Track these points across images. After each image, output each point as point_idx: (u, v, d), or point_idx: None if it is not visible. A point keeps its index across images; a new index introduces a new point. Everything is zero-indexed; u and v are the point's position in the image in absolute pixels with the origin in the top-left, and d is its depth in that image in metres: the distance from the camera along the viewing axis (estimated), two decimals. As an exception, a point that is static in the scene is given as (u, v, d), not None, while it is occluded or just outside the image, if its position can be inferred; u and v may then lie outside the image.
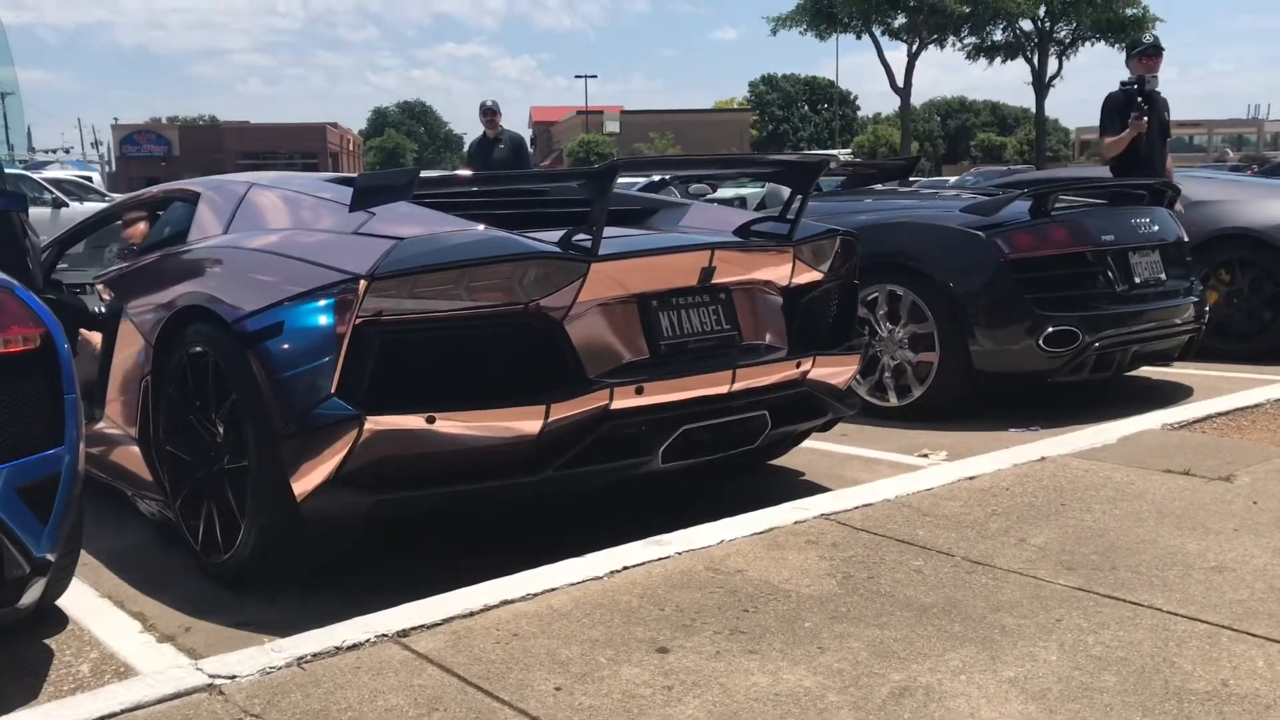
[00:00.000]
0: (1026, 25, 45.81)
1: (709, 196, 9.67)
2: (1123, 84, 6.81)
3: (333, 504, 3.01)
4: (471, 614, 2.66)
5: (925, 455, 4.57)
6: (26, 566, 2.42)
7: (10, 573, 2.40)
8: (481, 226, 3.35)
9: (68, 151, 63.73)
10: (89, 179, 24.97)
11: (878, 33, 45.68)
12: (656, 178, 9.00)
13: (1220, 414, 4.76)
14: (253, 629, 2.89)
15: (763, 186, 12.99)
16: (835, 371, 3.88)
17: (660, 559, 3.02)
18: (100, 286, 3.97)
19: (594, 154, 53.13)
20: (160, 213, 4.80)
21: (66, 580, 2.86)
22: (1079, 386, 5.40)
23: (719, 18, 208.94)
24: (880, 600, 2.73)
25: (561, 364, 3.20)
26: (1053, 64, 46.19)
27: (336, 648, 2.47)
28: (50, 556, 2.48)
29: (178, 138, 65.84)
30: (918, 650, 2.43)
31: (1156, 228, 5.60)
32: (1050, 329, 4.98)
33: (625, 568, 2.95)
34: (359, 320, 2.93)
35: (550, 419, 3.08)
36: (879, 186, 7.00)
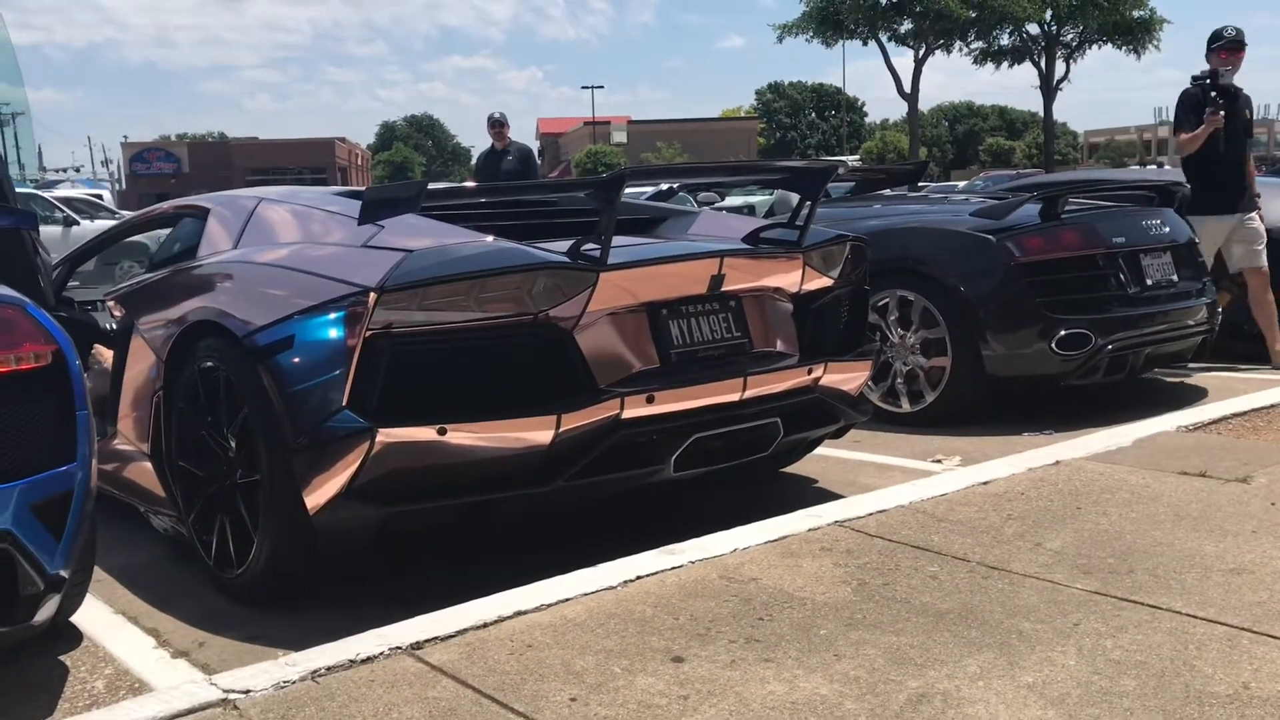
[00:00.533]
0: (1033, 29, 45.80)
1: (716, 205, 9.66)
2: (1194, 79, 6.56)
3: (345, 517, 3.00)
4: (485, 625, 2.65)
5: (939, 460, 4.55)
6: (41, 583, 2.42)
7: (24, 589, 2.40)
8: (490, 238, 3.35)
9: (78, 170, 64.08)
10: (99, 197, 25.09)
11: (884, 39, 45.73)
12: (664, 186, 9.01)
13: (1236, 415, 4.72)
14: (266, 643, 2.88)
15: (771, 194, 12.99)
16: (847, 378, 3.86)
17: (674, 568, 3.01)
18: (111, 303, 3.98)
19: (601, 165, 53.24)
20: (170, 229, 4.82)
21: (80, 597, 2.86)
22: (1092, 389, 5.37)
23: (725, 26, 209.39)
24: (896, 607, 2.71)
25: (572, 374, 3.19)
26: (1060, 67, 46.17)
27: (350, 661, 2.47)
28: (64, 573, 2.48)
29: (187, 155, 66.25)
30: (935, 657, 2.42)
31: (1167, 229, 5.57)
32: (1062, 332, 4.96)
33: (639, 577, 2.94)
34: (369, 333, 2.93)
35: (561, 429, 3.08)
36: (888, 192, 6.99)
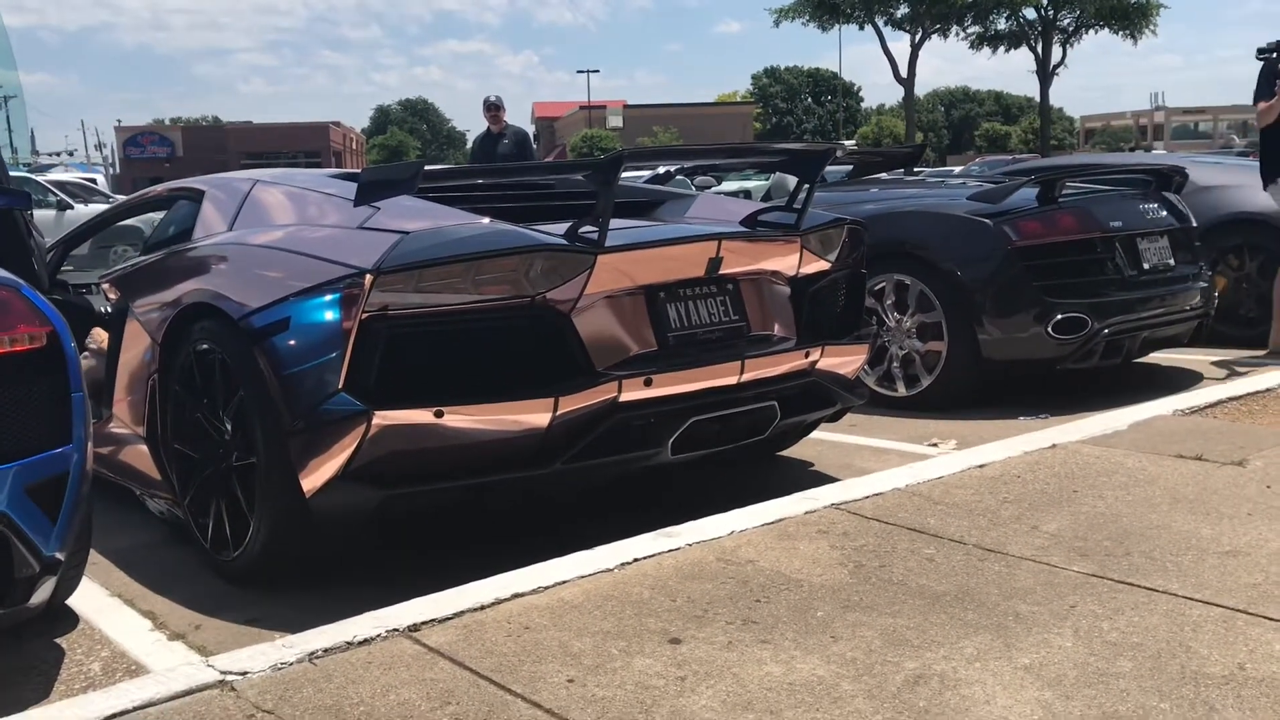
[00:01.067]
0: (1030, 14, 45.72)
1: (714, 189, 9.64)
2: (1260, 51, 6.43)
3: (341, 500, 3.00)
4: (482, 607, 2.65)
5: (935, 444, 4.55)
6: (36, 565, 2.42)
7: (20, 572, 2.40)
8: (487, 220, 3.34)
9: (71, 154, 63.87)
10: (93, 181, 25.02)
11: (880, 23, 45.64)
12: (661, 170, 8.98)
13: (1231, 399, 4.73)
14: (263, 625, 2.89)
15: (767, 179, 12.96)
16: (844, 361, 3.86)
17: (671, 550, 3.01)
18: (106, 285, 3.97)
19: (597, 149, 53.13)
20: (165, 212, 4.80)
21: (76, 579, 2.86)
22: (1088, 373, 5.38)
23: (721, 11, 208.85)
24: (893, 589, 2.72)
25: (569, 356, 3.18)
26: (1057, 52, 46.08)
27: (348, 643, 2.47)
28: (60, 555, 2.47)
29: (181, 139, 65.98)
30: (931, 638, 2.42)
31: (1164, 213, 5.57)
32: (1059, 316, 4.96)
33: (636, 559, 2.94)
34: (365, 315, 2.93)
35: (559, 412, 3.07)
36: (885, 176, 6.98)
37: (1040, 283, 5.01)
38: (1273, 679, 2.18)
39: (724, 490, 3.97)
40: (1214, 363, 6.03)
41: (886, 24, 45.77)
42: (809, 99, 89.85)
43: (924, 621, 2.51)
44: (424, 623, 2.57)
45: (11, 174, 7.63)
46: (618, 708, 2.15)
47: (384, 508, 3.06)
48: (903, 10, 45.21)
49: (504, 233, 3.20)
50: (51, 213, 17.36)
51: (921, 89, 69.78)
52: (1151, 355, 5.90)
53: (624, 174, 3.41)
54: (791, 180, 3.93)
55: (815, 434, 4.40)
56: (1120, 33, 45.37)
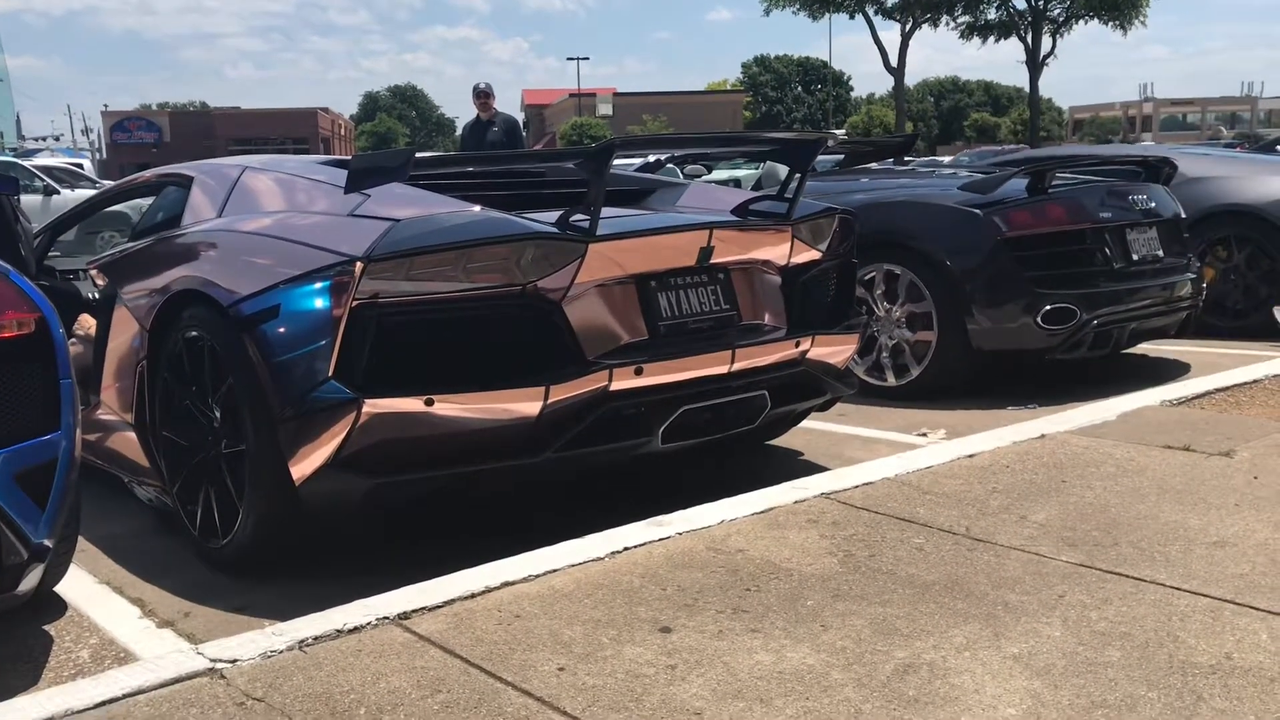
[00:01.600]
0: (1020, 4, 45.71)
1: (704, 178, 9.63)
2: None
3: (331, 488, 2.99)
4: (473, 595, 2.65)
5: (924, 434, 4.56)
6: (24, 552, 2.41)
7: (8, 559, 2.39)
8: (478, 208, 3.33)
9: (58, 139, 63.46)
10: (80, 166, 24.86)
11: (871, 12, 45.57)
12: (652, 158, 8.97)
13: (1219, 390, 4.75)
14: (252, 613, 2.88)
15: (758, 169, 12.95)
16: (834, 351, 3.86)
17: (661, 539, 3.01)
18: (94, 272, 3.94)
19: (587, 136, 53.01)
20: (153, 198, 4.77)
21: (65, 566, 2.85)
22: (1077, 364, 5.40)
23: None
24: (882, 578, 2.72)
25: (560, 345, 3.18)
26: (1046, 43, 46.07)
27: (338, 630, 2.46)
28: (48, 542, 2.46)
29: (168, 124, 65.59)
30: (921, 628, 2.43)
31: (1154, 204, 5.58)
32: (1048, 306, 4.97)
33: (626, 548, 2.95)
34: (355, 303, 2.91)
35: (549, 400, 3.07)
36: (875, 165, 6.98)
37: (1029, 273, 5.02)
38: (1259, 668, 2.19)
39: (714, 479, 3.98)
40: (1202, 353, 6.05)
41: (877, 13, 45.72)
42: (799, 88, 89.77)
43: (913, 611, 2.52)
44: (414, 611, 2.56)
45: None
46: (608, 696, 2.16)
47: (373, 496, 3.05)
48: (893, -1, 45.19)
49: (495, 221, 3.19)
50: (38, 198, 17.26)
51: (911, 79, 69.68)
52: (1139, 346, 5.91)
53: (615, 162, 3.39)
54: (782, 169, 3.93)
55: (805, 423, 4.41)
56: (1110, 23, 45.40)
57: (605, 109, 63.10)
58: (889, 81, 48.61)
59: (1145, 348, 6.10)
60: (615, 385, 3.18)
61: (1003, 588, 2.64)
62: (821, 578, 2.73)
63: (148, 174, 4.73)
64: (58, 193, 17.84)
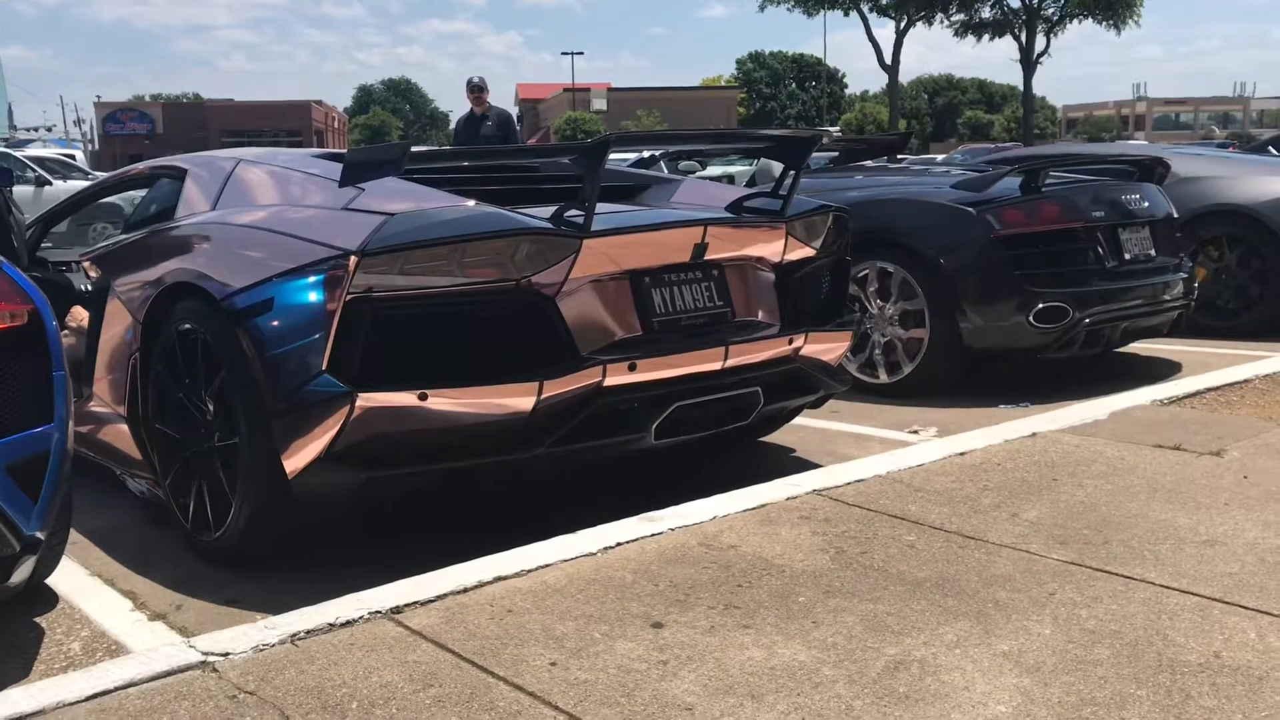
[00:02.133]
0: (1014, 2, 45.77)
1: (697, 174, 9.63)
2: None
3: (324, 482, 2.99)
4: (465, 590, 2.65)
5: (916, 431, 4.57)
6: (16, 544, 2.40)
7: (0, 551, 2.39)
8: (472, 202, 3.33)
9: (50, 130, 63.13)
10: (72, 157, 24.74)
11: (865, 9, 45.59)
12: (646, 154, 8.97)
13: (1210, 389, 4.77)
14: (244, 607, 2.88)
15: (751, 165, 12.94)
16: (827, 348, 3.87)
17: (653, 535, 3.02)
18: (87, 264, 3.93)
19: (581, 131, 52.95)
20: (146, 190, 4.76)
21: (56, 558, 2.84)
22: (1069, 363, 5.41)
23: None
24: (873, 575, 2.73)
25: (554, 341, 3.18)
26: (1040, 41, 46.15)
27: (330, 624, 2.47)
28: (40, 534, 2.46)
29: (161, 115, 65.38)
30: (912, 625, 2.44)
31: (1146, 204, 5.60)
32: (1040, 305, 4.98)
33: (619, 544, 2.95)
34: (349, 297, 2.91)
35: (543, 396, 3.07)
36: (869, 163, 6.99)
37: (1022, 271, 5.03)
38: (1247, 667, 2.20)
39: (706, 475, 3.98)
40: (1193, 353, 6.07)
41: (871, 10, 45.76)
42: (793, 84, 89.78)
43: (904, 608, 2.53)
44: (406, 605, 2.57)
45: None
46: (600, 691, 2.16)
47: (366, 490, 3.05)
48: (888, -4, 45.22)
49: (490, 215, 3.19)
50: (30, 189, 17.18)
51: (905, 76, 69.84)
52: (1131, 345, 5.93)
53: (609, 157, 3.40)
54: (776, 166, 3.93)
55: (797, 420, 4.42)
56: (1104, 23, 45.48)
57: (599, 104, 63.04)
58: (883, 78, 48.72)
59: (1137, 347, 6.12)
60: (609, 381, 3.19)
61: (993, 585, 2.65)
62: (813, 574, 2.74)
63: (141, 166, 4.72)
64: (50, 184, 17.74)
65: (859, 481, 3.49)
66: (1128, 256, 5.37)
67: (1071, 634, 2.37)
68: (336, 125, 79.33)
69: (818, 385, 3.91)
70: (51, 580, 2.96)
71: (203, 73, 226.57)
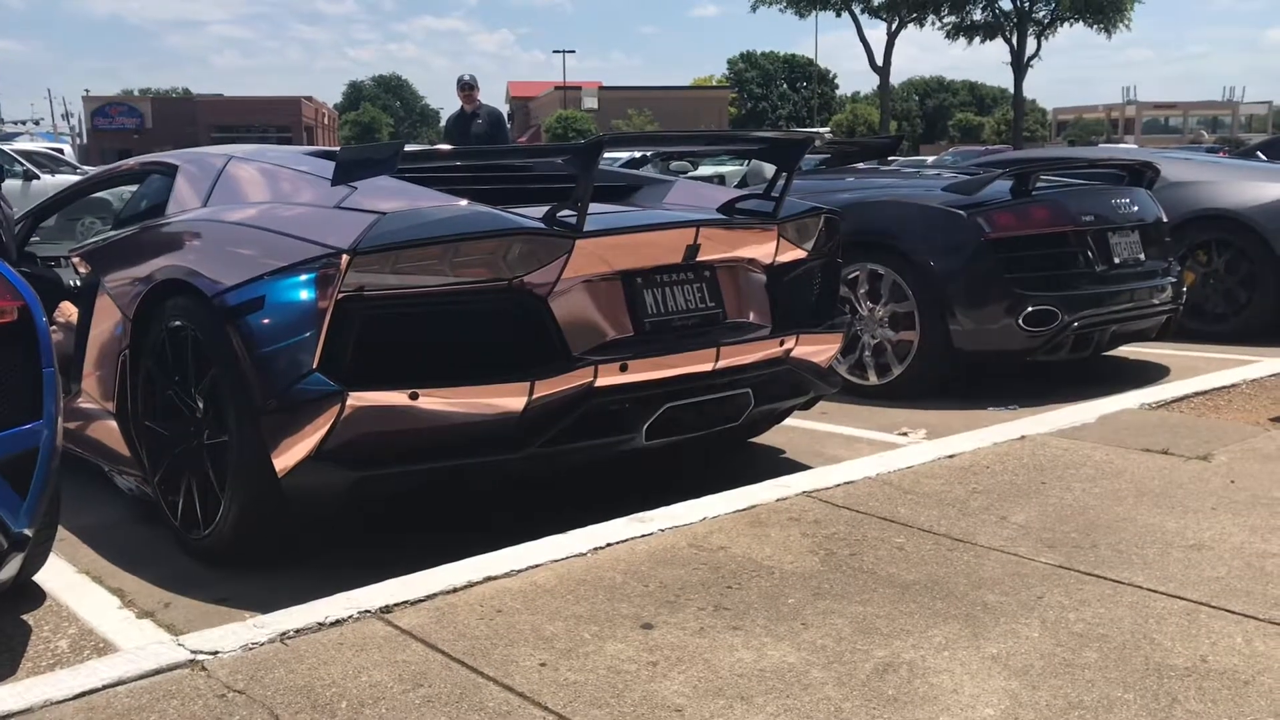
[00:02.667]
0: (1006, 5, 45.87)
1: (688, 175, 9.63)
2: None
3: (314, 480, 2.99)
4: (455, 590, 2.65)
5: (905, 434, 4.58)
6: (4, 541, 2.40)
7: (-12, 548, 2.38)
8: (465, 202, 3.33)
9: (38, 123, 62.78)
10: (60, 151, 24.61)
11: (857, 10, 45.63)
12: (638, 154, 8.97)
13: (1198, 394, 4.79)
14: (233, 605, 2.87)
15: (743, 164, 12.95)
16: (818, 350, 3.88)
17: (643, 536, 3.02)
18: (77, 259, 3.92)
19: (572, 130, 52.92)
20: (137, 186, 4.74)
21: (44, 556, 2.83)
22: (1057, 366, 5.43)
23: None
24: (863, 577, 2.74)
25: (546, 341, 3.18)
26: (1031, 44, 46.24)
27: (319, 623, 2.46)
28: (28, 531, 2.45)
29: (150, 110, 65.08)
30: (901, 627, 2.45)
31: (1136, 208, 5.62)
32: (1030, 308, 5.00)
33: (609, 544, 2.95)
34: (341, 295, 2.91)
35: (534, 396, 3.07)
36: (860, 165, 7.00)
37: (1012, 275, 5.05)
38: (1234, 671, 2.22)
39: (696, 476, 3.99)
40: (1181, 357, 6.10)
41: (863, 11, 45.78)
42: (784, 85, 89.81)
43: (893, 610, 2.54)
44: (396, 604, 2.57)
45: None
46: (589, 692, 2.17)
47: (357, 489, 3.05)
48: (880, -2, 45.25)
49: (482, 215, 3.18)
50: (18, 183, 17.09)
51: (897, 77, 69.86)
52: (1120, 349, 5.95)
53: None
54: (767, 167, 3.93)
55: (787, 421, 4.42)
56: (1094, 26, 45.59)
57: (591, 103, 63.03)
58: (874, 80, 48.72)
59: (1125, 350, 6.14)
60: (600, 381, 3.19)
61: (982, 588, 2.66)
62: (802, 576, 2.75)
63: (131, 162, 4.70)
64: (38, 178, 17.65)
65: (848, 483, 3.50)
66: (1117, 260, 5.39)
67: (1059, 637, 2.38)
68: (326, 121, 79.13)
69: (808, 387, 3.92)
70: (39, 577, 2.95)
71: (193, 68, 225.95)
